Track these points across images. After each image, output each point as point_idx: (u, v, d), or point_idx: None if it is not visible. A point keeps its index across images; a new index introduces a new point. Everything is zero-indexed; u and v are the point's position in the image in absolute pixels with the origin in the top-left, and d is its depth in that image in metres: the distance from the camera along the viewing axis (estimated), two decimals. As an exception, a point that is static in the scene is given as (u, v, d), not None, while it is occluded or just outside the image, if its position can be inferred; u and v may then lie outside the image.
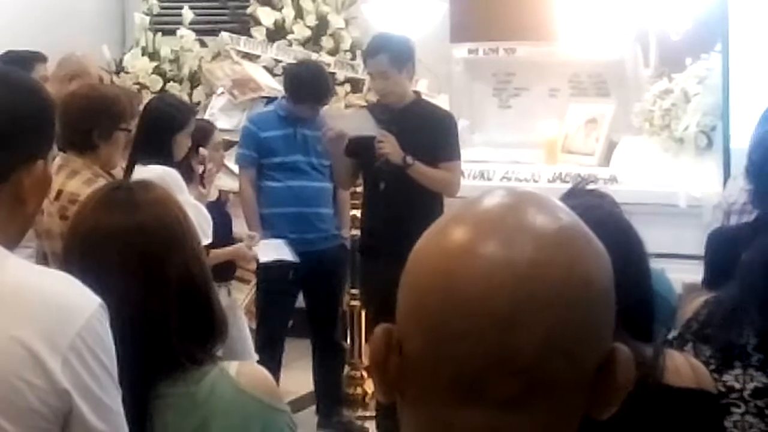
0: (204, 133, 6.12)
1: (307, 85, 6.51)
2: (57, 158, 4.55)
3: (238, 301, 6.53)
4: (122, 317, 1.94)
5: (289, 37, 8.58)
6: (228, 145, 6.87)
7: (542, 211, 1.14)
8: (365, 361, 6.96)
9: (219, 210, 6.22)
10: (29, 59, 6.21)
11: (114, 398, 1.83)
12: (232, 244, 6.15)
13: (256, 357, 6.08)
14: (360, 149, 6.06)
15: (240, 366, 2.23)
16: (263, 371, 2.27)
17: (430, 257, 1.14)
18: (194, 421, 2.15)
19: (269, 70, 8.32)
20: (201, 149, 5.94)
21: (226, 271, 6.23)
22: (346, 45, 8.64)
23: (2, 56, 6.28)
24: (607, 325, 1.14)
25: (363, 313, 6.83)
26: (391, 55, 6.01)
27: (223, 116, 7.60)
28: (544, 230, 1.12)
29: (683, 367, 2.35)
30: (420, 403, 1.14)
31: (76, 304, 1.80)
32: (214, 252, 5.69)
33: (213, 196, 6.30)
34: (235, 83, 8.08)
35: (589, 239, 1.15)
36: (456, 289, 1.10)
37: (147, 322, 2.17)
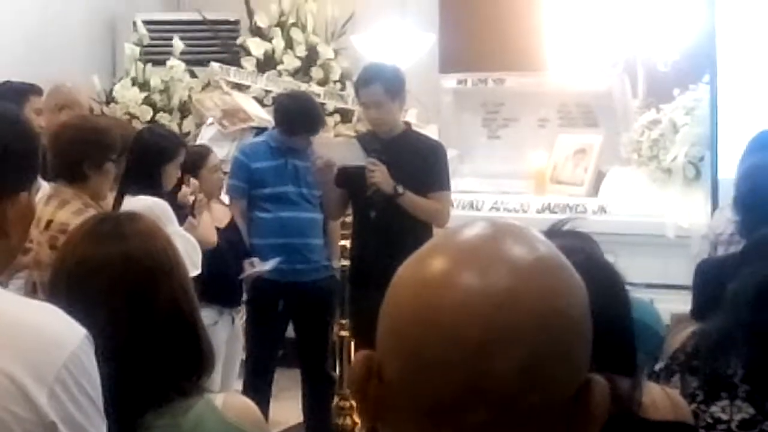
0: (198, 157, 6.17)
1: (301, 117, 6.50)
2: (47, 188, 4.55)
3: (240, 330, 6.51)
4: (109, 349, 1.94)
5: (279, 67, 8.61)
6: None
7: (519, 241, 1.15)
8: (355, 391, 6.94)
9: (230, 237, 6.24)
10: (25, 91, 6.24)
11: (100, 430, 1.82)
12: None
13: (235, 386, 6.11)
14: (350, 179, 6.06)
15: (226, 397, 2.22)
16: (249, 403, 2.27)
17: (408, 286, 1.15)
18: (180, 452, 2.15)
19: (259, 100, 8.34)
20: (192, 180, 5.95)
21: (232, 296, 6.22)
22: (335, 75, 8.66)
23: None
24: (582, 356, 1.15)
25: (352, 344, 6.82)
26: (385, 85, 6.02)
27: (213, 146, 7.58)
28: (520, 261, 1.13)
29: (660, 399, 2.35)
30: (399, 430, 1.15)
31: (61, 336, 1.79)
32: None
33: (222, 222, 6.30)
34: (224, 113, 8.09)
35: (566, 270, 1.16)
36: (433, 318, 1.11)
37: (133, 353, 2.16)
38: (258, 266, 6.30)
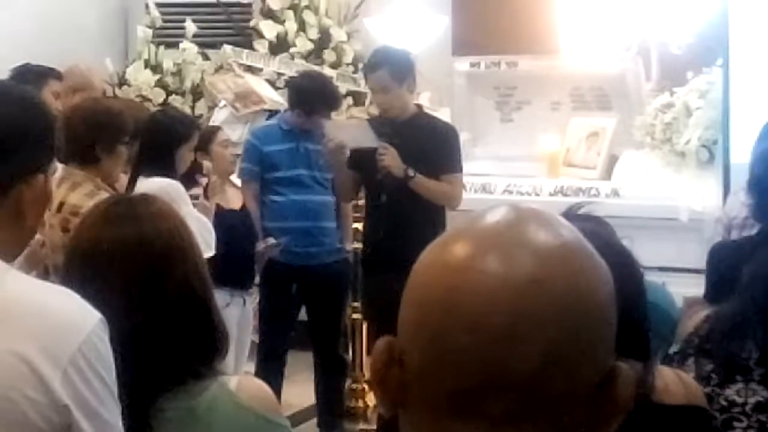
0: (208, 134, 6.19)
1: (320, 95, 6.50)
2: (59, 171, 4.55)
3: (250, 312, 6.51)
4: (123, 331, 1.94)
5: (292, 50, 8.60)
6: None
7: (544, 227, 1.14)
8: (367, 374, 6.95)
9: (244, 219, 6.22)
10: (44, 74, 6.24)
11: (113, 413, 1.83)
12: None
13: (246, 368, 6.12)
14: (362, 162, 6.05)
15: (240, 380, 2.22)
16: (263, 385, 2.27)
17: (431, 272, 1.14)
18: (194, 435, 2.15)
19: (271, 83, 8.33)
20: (205, 162, 5.95)
21: (244, 279, 6.22)
22: (348, 58, 8.65)
23: (19, 68, 6.31)
24: (607, 343, 1.14)
25: (365, 326, 6.83)
26: (391, 69, 6.01)
27: (226, 129, 7.60)
28: (544, 246, 1.12)
29: (673, 384, 2.34)
30: (420, 417, 1.14)
31: (76, 319, 1.80)
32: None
33: (237, 204, 6.30)
34: (237, 96, 8.08)
35: (591, 256, 1.15)
36: (455, 303, 1.10)
37: (147, 336, 2.16)
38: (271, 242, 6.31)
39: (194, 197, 5.56)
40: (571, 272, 1.11)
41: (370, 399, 6.89)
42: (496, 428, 1.10)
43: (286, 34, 8.66)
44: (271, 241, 6.32)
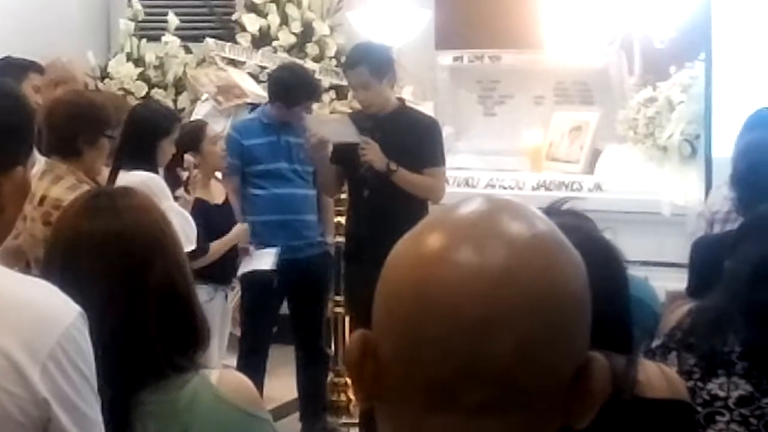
0: (197, 131, 6.17)
1: (299, 87, 6.49)
2: (41, 164, 4.53)
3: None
4: (103, 325, 1.93)
5: (274, 43, 8.59)
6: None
7: (517, 218, 1.13)
8: (350, 368, 6.93)
9: (227, 214, 6.20)
10: (25, 67, 6.20)
11: (93, 407, 1.82)
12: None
13: (224, 360, 6.12)
14: (344, 156, 6.05)
15: (221, 374, 2.22)
16: (244, 379, 2.26)
17: (404, 263, 1.13)
18: (175, 429, 2.14)
19: (254, 76, 8.32)
20: (186, 156, 5.94)
21: (225, 273, 6.20)
22: (330, 52, 8.64)
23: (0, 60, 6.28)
24: (581, 334, 1.13)
25: (347, 320, 6.82)
26: (371, 66, 5.99)
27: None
28: (518, 237, 1.11)
29: (656, 378, 2.34)
30: (395, 409, 1.14)
31: (55, 313, 1.78)
32: (219, 243, 5.75)
33: (220, 199, 6.28)
34: (219, 89, 8.07)
35: (564, 247, 1.14)
36: (428, 295, 1.09)
37: (128, 329, 2.15)
38: (255, 259, 6.29)
39: (177, 198, 5.56)
40: (545, 264, 1.11)
41: (352, 393, 6.89)
42: (471, 420, 1.09)
43: (269, 27, 8.64)
44: (252, 250, 6.30)
